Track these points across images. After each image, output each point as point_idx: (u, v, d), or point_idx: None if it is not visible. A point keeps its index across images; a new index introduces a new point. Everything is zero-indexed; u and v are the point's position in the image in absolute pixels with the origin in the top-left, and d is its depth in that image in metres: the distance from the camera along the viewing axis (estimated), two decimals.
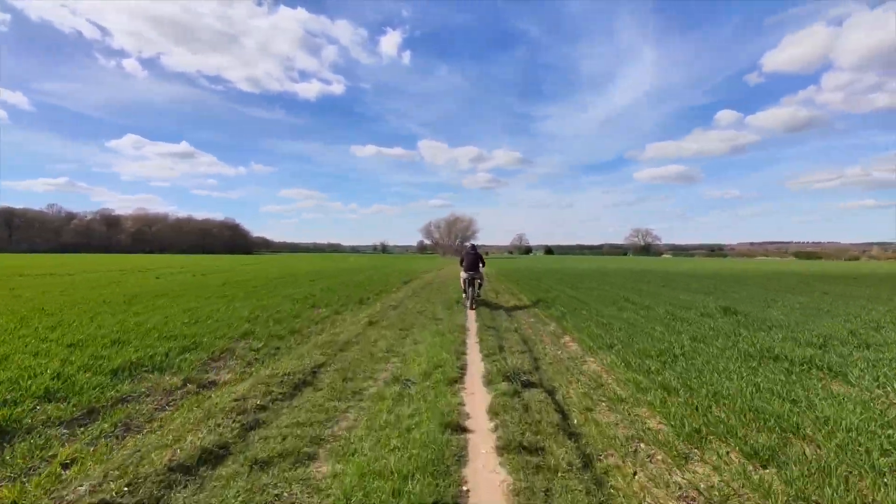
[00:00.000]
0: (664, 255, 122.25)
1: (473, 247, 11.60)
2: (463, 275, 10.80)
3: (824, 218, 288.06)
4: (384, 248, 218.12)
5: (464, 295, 10.92)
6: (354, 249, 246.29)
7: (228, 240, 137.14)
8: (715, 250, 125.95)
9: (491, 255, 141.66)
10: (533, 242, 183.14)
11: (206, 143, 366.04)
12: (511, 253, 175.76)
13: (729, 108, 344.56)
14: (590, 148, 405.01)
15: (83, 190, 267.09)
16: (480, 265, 10.80)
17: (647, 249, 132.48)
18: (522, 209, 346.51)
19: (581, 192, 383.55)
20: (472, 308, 10.25)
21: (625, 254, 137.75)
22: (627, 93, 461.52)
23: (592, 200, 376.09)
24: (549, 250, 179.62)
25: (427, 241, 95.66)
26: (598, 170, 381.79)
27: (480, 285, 10.82)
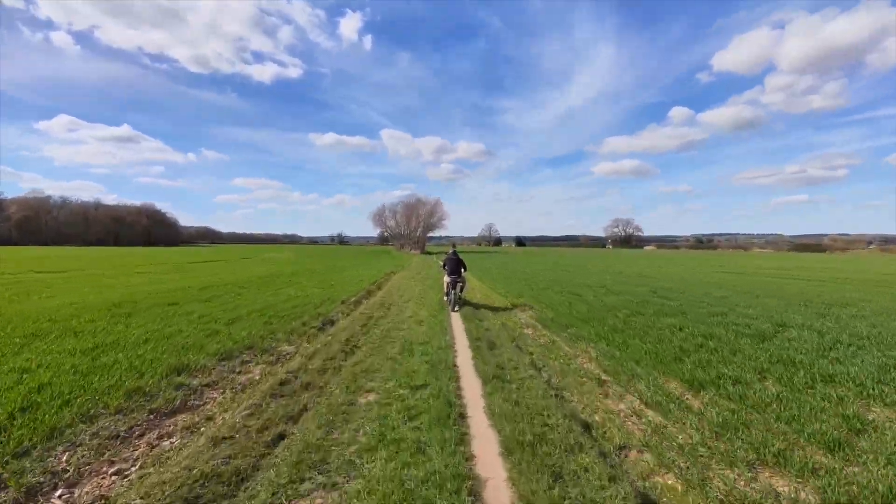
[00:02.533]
0: (646, 248, 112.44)
1: (455, 252, 11.37)
2: (446, 279, 11.00)
3: (767, 212, 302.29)
4: (341, 240, 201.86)
5: (446, 298, 11.19)
6: (313, 241, 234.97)
7: (147, 230, 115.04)
8: (703, 241, 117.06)
9: (458, 248, 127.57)
10: (501, 234, 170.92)
11: (150, 127, 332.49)
12: (479, 245, 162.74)
13: (681, 106, 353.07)
14: (551, 141, 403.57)
15: (8, 175, 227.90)
16: (462, 269, 11.10)
17: (629, 241, 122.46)
18: (487, 201, 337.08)
19: (543, 184, 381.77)
20: (454, 310, 10.17)
21: (603, 246, 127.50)
22: (586, 88, 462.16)
23: (555, 193, 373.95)
24: (520, 242, 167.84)
25: (383, 231, 75.91)
26: (559, 163, 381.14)
27: (462, 288, 11.21)
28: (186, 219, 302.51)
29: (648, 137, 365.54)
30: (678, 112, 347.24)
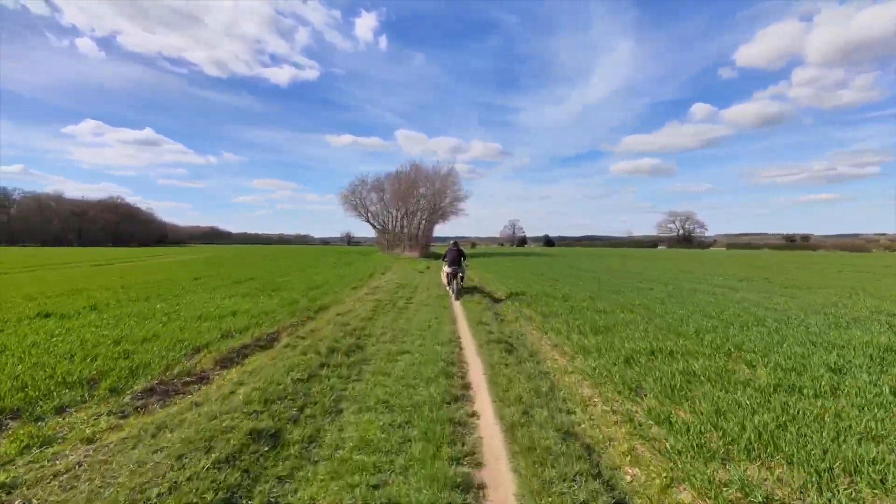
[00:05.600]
0: (713, 249, 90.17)
1: (456, 244, 11.84)
2: (447, 269, 11.39)
3: (792, 210, 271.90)
4: (350, 241, 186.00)
5: (448, 288, 11.62)
6: (325, 241, 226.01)
7: (112, 227, 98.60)
8: (794, 240, 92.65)
9: (478, 248, 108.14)
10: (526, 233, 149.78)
11: (171, 130, 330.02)
12: (502, 245, 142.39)
13: (703, 102, 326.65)
14: (567, 140, 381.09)
15: (40, 179, 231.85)
16: (462, 259, 11.52)
17: (690, 240, 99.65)
18: (503, 200, 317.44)
19: (559, 183, 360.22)
20: (456, 299, 10.76)
21: (654, 246, 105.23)
22: (603, 85, 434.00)
23: (573, 192, 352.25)
24: (549, 241, 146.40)
25: (371, 223, 48.26)
26: (575, 161, 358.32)
27: (462, 278, 11.54)
28: (200, 218, 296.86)
29: (667, 135, 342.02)
30: (699, 108, 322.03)
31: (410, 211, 41.78)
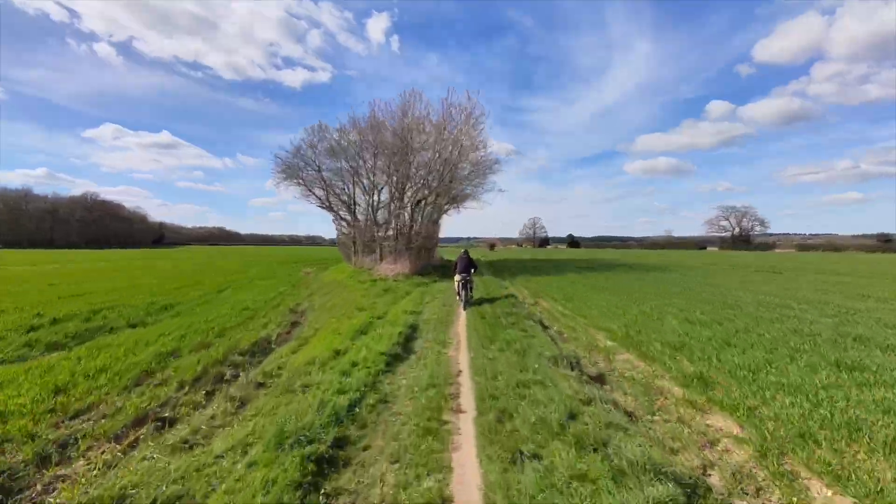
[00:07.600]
0: (777, 251, 75.72)
1: (466, 252, 11.69)
2: (457, 277, 11.19)
3: (816, 210, 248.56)
4: None
5: (458, 297, 11.30)
6: (333, 242, 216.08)
7: (86, 226, 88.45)
8: (890, 240, 77.26)
9: (497, 250, 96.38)
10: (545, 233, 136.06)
11: (189, 134, 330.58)
12: (521, 245, 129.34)
13: (720, 100, 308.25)
14: (583, 140, 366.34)
15: (64, 182, 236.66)
16: (472, 269, 11.30)
17: (748, 241, 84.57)
18: (518, 202, 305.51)
19: (575, 184, 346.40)
20: (465, 308, 10.47)
21: (703, 247, 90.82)
22: (620, 85, 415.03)
23: (589, 193, 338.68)
24: (573, 242, 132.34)
25: (304, 199, 25.11)
26: (591, 162, 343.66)
27: (472, 287, 11.36)
28: (220, 221, 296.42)
29: (685, 134, 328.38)
30: (716, 106, 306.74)
31: (398, 185, 21.48)
